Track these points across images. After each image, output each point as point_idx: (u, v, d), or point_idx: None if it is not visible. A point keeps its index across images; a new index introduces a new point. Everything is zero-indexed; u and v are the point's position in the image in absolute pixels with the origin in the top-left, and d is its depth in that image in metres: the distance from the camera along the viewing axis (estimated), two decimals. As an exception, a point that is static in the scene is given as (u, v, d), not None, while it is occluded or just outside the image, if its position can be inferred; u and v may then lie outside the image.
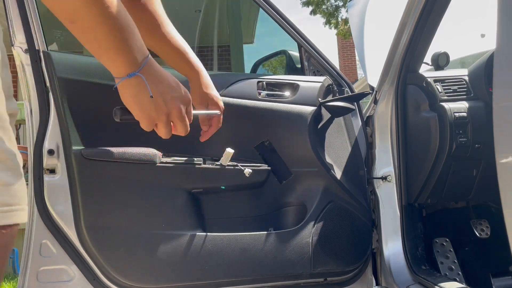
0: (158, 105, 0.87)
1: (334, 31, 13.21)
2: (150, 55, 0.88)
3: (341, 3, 12.64)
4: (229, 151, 1.57)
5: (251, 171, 1.60)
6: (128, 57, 0.84)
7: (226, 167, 1.62)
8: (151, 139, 1.64)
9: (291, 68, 2.14)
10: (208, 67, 5.78)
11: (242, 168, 1.59)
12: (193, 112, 0.99)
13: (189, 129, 0.93)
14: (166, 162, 1.62)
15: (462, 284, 1.75)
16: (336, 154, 1.84)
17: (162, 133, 0.91)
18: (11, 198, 0.72)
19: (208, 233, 1.65)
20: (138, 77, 0.85)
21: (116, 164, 1.48)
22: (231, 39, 6.22)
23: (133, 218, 1.58)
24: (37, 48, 1.52)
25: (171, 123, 0.91)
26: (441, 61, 2.08)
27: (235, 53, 6.20)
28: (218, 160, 1.64)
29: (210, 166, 1.64)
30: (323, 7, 12.90)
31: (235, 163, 1.62)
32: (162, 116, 0.88)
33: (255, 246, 1.65)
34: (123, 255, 1.55)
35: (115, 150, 1.56)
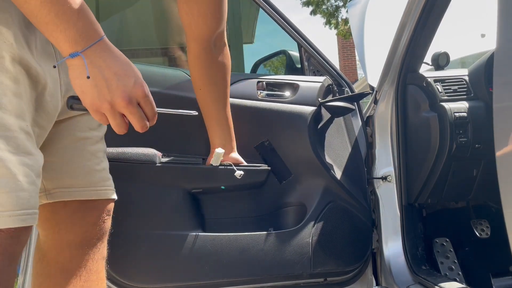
0: (101, 92, 0.83)
1: (334, 31, 13.21)
2: (104, 37, 0.85)
3: (341, 3, 12.65)
4: (219, 151, 1.56)
5: (242, 173, 1.59)
6: (68, 35, 0.81)
7: (219, 167, 1.61)
8: (150, 139, 1.65)
9: (291, 68, 2.14)
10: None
11: (234, 168, 1.59)
12: (161, 110, 0.95)
13: (147, 124, 0.89)
14: (166, 162, 1.62)
15: (462, 284, 1.75)
16: (336, 154, 1.83)
17: (112, 125, 0.87)
18: None
19: (208, 233, 1.65)
20: (81, 58, 0.82)
21: (115, 164, 1.48)
22: (231, 39, 6.21)
23: (132, 218, 1.58)
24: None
25: (123, 116, 0.87)
26: (441, 61, 2.08)
27: (235, 53, 6.19)
28: (206, 160, 1.64)
29: (210, 166, 1.64)
30: (323, 7, 12.91)
31: (229, 163, 1.62)
32: (105, 103, 0.84)
33: (255, 246, 1.65)
34: (123, 255, 1.55)
35: (114, 150, 1.56)
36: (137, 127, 0.88)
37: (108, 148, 1.52)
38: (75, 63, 0.83)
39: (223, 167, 1.61)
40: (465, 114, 1.80)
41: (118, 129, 0.88)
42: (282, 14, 1.85)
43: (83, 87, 0.84)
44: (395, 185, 1.90)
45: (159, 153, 1.62)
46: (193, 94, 1.68)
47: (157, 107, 0.93)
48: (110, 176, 1.17)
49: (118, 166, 1.53)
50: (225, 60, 1.52)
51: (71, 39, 0.81)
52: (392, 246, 1.85)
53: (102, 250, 1.16)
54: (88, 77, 0.82)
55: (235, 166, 1.60)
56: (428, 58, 2.03)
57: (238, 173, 1.58)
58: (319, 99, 1.79)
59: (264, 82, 1.80)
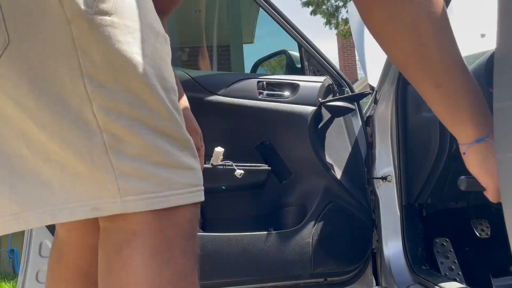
0: None
1: (334, 31, 13.21)
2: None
3: (341, 3, 12.64)
4: (218, 150, 1.55)
5: (242, 172, 1.59)
6: (478, 120, 0.84)
7: (218, 167, 1.61)
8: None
9: (291, 68, 2.15)
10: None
11: (234, 168, 1.59)
12: None
13: None
14: None
15: (462, 284, 1.75)
16: (336, 154, 1.84)
17: None
18: (197, 180, 0.76)
19: (208, 233, 1.65)
20: (487, 141, 0.84)
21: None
22: (231, 39, 6.22)
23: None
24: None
25: None
26: (441, 61, 2.07)
27: (235, 53, 6.20)
28: (209, 160, 1.64)
29: (210, 165, 1.64)
30: (323, 7, 12.90)
31: (230, 163, 1.61)
32: None
33: (255, 246, 1.65)
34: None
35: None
36: None
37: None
38: (479, 147, 0.85)
39: (223, 166, 1.61)
40: (465, 114, 1.80)
41: None
42: (282, 14, 1.85)
43: (490, 171, 0.86)
44: (395, 185, 1.89)
45: None
46: (192, 93, 1.68)
47: None
48: None
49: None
50: None
51: (479, 124, 0.84)
52: (392, 246, 1.85)
53: None
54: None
55: (235, 166, 1.60)
56: (428, 58, 2.03)
57: (238, 172, 1.58)
58: (320, 99, 1.79)
59: (264, 82, 1.80)
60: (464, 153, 0.89)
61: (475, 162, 0.87)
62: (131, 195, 0.68)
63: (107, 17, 0.65)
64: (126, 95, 0.68)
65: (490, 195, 0.89)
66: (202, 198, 0.77)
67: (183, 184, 0.73)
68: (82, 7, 0.62)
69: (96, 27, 0.64)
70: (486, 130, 0.85)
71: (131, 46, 0.67)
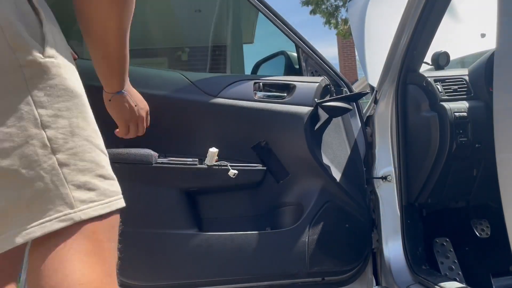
0: (134, 112, 1.26)
1: (334, 31, 13.20)
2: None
3: (340, 3, 12.63)
4: (213, 150, 1.57)
5: (236, 172, 1.60)
6: (123, 79, 1.14)
7: (213, 167, 1.62)
8: (147, 140, 1.65)
9: (290, 69, 2.14)
10: (206, 67, 5.77)
11: (229, 168, 1.60)
12: None
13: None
14: (162, 163, 1.62)
15: (462, 284, 1.75)
16: (334, 154, 1.83)
17: (133, 131, 1.31)
18: (119, 189, 0.92)
19: (204, 232, 1.65)
20: (123, 93, 1.19)
21: (112, 165, 1.48)
22: (231, 39, 6.22)
23: (129, 218, 1.57)
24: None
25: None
26: (441, 60, 2.07)
27: (235, 53, 6.19)
28: (203, 160, 1.65)
29: (205, 165, 1.65)
30: (323, 7, 12.89)
31: (225, 163, 1.62)
32: (135, 119, 1.27)
33: (251, 245, 1.65)
34: (120, 254, 1.55)
35: (110, 151, 1.55)
36: (143, 130, 1.32)
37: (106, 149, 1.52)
38: (118, 97, 1.20)
39: (218, 167, 1.62)
40: (465, 113, 1.80)
41: (135, 134, 1.32)
42: (280, 16, 1.85)
43: (122, 112, 1.24)
44: (395, 184, 1.89)
45: (155, 154, 1.62)
46: (190, 95, 1.68)
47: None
48: None
49: (114, 167, 1.52)
50: None
51: (122, 82, 1.15)
52: (392, 246, 1.85)
53: None
54: (136, 105, 1.24)
55: (230, 166, 1.61)
56: (428, 58, 2.03)
57: (232, 172, 1.59)
58: (316, 99, 1.78)
59: (260, 83, 1.80)
60: (109, 100, 1.20)
61: (113, 106, 1.21)
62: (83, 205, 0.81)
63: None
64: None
65: (121, 128, 1.29)
66: (124, 204, 0.92)
67: (115, 192, 0.90)
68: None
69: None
70: (123, 86, 1.16)
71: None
